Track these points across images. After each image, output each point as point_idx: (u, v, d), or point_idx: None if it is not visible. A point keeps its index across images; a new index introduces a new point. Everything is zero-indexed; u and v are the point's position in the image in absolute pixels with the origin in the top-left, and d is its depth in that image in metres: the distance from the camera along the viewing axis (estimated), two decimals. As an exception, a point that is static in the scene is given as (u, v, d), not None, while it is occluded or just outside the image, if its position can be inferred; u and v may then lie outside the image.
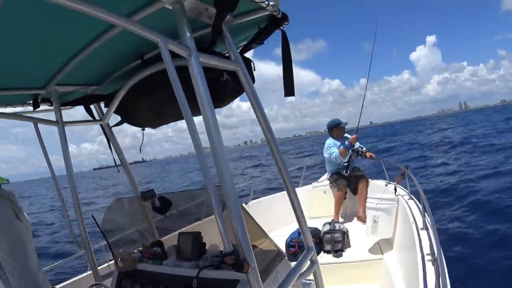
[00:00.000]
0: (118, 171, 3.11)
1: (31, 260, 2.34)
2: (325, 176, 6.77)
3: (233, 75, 2.15)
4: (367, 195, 5.46)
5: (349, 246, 4.79)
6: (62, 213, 2.90)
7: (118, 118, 2.92)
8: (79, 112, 3.07)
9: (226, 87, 2.17)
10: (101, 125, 3.07)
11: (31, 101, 2.81)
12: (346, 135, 6.42)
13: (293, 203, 2.31)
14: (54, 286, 3.11)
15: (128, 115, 2.87)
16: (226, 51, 2.20)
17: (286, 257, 2.47)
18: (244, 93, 2.23)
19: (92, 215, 2.61)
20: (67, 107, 2.97)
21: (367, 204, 4.83)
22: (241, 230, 1.62)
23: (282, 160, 2.26)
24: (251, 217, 2.00)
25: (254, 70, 2.34)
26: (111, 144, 3.09)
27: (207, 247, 2.27)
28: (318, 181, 7.03)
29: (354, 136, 6.05)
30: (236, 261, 1.58)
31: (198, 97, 1.64)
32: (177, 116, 2.61)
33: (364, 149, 6.24)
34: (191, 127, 1.60)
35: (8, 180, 2.52)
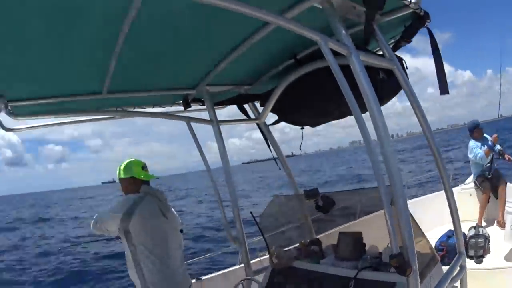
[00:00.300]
0: (279, 168, 3.15)
1: (173, 257, 2.63)
2: (471, 178, 6.50)
3: (388, 73, 2.12)
4: (506, 199, 5.26)
5: (489, 252, 4.54)
6: (210, 206, 3.11)
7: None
8: (229, 110, 2.98)
9: (384, 86, 2.13)
10: (257, 124, 3.09)
11: (181, 101, 2.91)
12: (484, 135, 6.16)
13: (450, 205, 2.22)
14: (200, 278, 3.37)
15: (286, 115, 2.89)
16: (376, 50, 2.22)
17: (439, 262, 2.38)
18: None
19: (251, 212, 2.72)
20: (219, 106, 3.02)
21: (506, 209, 4.63)
22: (408, 232, 1.60)
23: (441, 160, 2.19)
24: (411, 216, 2.05)
25: (407, 68, 2.28)
26: (269, 143, 3.11)
27: (366, 248, 2.27)
28: (465, 183, 6.74)
29: (495, 136, 5.86)
30: (401, 263, 1.57)
31: (364, 94, 1.63)
32: (337, 114, 2.61)
33: (501, 148, 5.98)
34: (361, 124, 1.61)
35: (158, 177, 2.75)
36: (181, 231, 2.78)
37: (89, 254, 12.46)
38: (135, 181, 2.66)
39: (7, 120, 2.25)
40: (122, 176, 2.70)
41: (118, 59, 1.95)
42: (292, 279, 2.38)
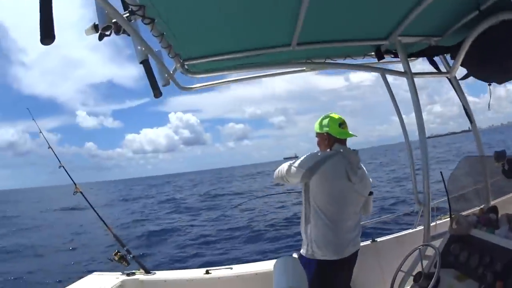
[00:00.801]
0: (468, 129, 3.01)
1: (346, 221, 2.49)
2: None
3: None
4: None
5: None
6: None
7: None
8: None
9: None
10: (448, 78, 2.95)
11: (372, 53, 2.88)
12: None
13: None
14: (375, 239, 3.31)
15: (474, 69, 2.74)
16: None
17: None
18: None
19: (441, 172, 2.58)
20: (411, 58, 2.94)
21: None
22: None
23: None
24: None
25: None
26: (460, 99, 2.94)
27: None
28: None
29: None
30: None
31: None
32: None
33: None
34: None
35: (356, 135, 2.62)
36: (371, 193, 2.70)
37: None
38: (329, 138, 2.62)
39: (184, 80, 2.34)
40: (317, 130, 2.69)
41: (308, 9, 1.94)
42: (467, 247, 2.20)
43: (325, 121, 2.65)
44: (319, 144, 2.71)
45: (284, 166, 2.67)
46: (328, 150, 2.62)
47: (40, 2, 1.02)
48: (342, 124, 2.63)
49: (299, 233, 2.65)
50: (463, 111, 3.02)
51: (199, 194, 34.72)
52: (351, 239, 2.55)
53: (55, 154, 3.75)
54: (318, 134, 2.71)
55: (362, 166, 2.69)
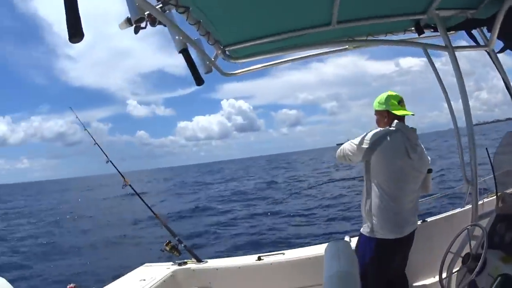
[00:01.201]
0: None
1: (406, 199, 2.49)
2: None
3: None
4: None
5: None
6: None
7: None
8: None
9: None
10: (487, 51, 2.87)
11: (412, 28, 2.84)
12: None
13: None
14: (425, 220, 3.27)
15: (510, 41, 2.66)
16: None
17: None
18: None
19: (486, 148, 2.53)
20: (451, 32, 2.88)
21: None
22: None
23: None
24: None
25: None
26: (500, 72, 2.87)
27: None
28: None
29: None
30: None
31: None
32: None
33: None
34: None
35: (413, 114, 2.61)
36: (430, 170, 2.68)
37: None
38: (389, 115, 2.63)
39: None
40: (376, 108, 2.70)
41: None
42: None
43: (384, 99, 2.65)
44: (378, 122, 2.72)
45: (345, 145, 2.69)
46: (388, 127, 2.61)
47: (64, 1, 1.00)
48: (401, 101, 2.63)
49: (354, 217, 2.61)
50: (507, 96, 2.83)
51: (255, 180, 35.27)
52: (409, 217, 2.56)
53: (102, 150, 3.81)
54: (377, 112, 2.71)
55: (420, 143, 2.65)
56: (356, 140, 2.60)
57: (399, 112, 2.58)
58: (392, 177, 2.48)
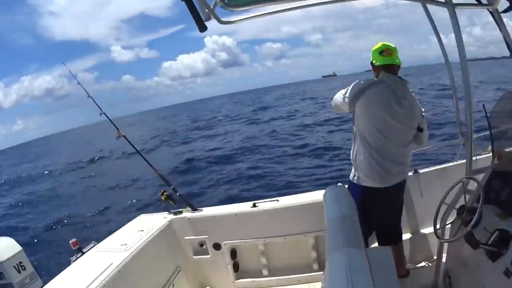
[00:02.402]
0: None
1: (391, 151, 2.54)
2: None
3: None
4: None
5: None
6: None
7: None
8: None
9: None
10: (489, 10, 2.75)
11: None
12: None
13: None
14: (417, 171, 3.32)
15: None
16: None
17: None
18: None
19: (483, 105, 2.47)
20: None
21: None
22: None
23: None
24: None
25: None
26: (502, 32, 2.74)
27: None
28: None
29: None
30: None
31: None
32: None
33: None
34: None
35: (397, 63, 2.59)
36: (420, 129, 2.66)
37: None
38: (374, 67, 2.66)
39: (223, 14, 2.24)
40: (370, 60, 2.70)
41: None
42: (510, 185, 2.08)
43: (371, 52, 2.66)
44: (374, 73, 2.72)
45: (336, 96, 2.70)
46: (374, 78, 2.63)
47: None
48: (383, 51, 2.59)
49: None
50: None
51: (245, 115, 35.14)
52: (396, 168, 2.58)
53: (95, 103, 3.84)
54: (371, 64, 2.71)
55: (412, 95, 2.61)
56: (344, 90, 2.63)
57: (380, 61, 2.58)
58: (375, 128, 2.50)
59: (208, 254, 3.30)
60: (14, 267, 3.26)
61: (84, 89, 3.85)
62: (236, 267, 3.33)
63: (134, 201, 11.94)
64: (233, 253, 3.30)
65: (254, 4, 2.38)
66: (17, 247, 3.41)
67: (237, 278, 3.33)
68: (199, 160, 16.86)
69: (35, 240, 10.07)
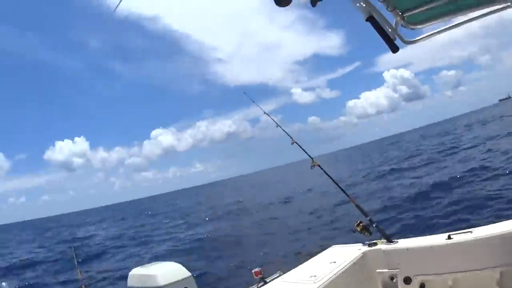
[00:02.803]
0: None
1: None
2: None
3: None
4: None
5: None
6: None
7: None
8: None
9: None
10: None
11: None
12: None
13: None
14: None
15: None
16: None
17: None
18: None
19: None
20: None
21: None
22: None
23: None
24: None
25: None
26: None
27: None
28: None
29: None
30: None
31: None
32: None
33: None
34: None
35: None
36: None
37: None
38: None
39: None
40: None
41: None
42: None
43: None
44: None
45: None
46: None
47: None
48: None
49: None
50: None
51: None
52: None
53: (284, 131, 3.99)
54: None
55: None
56: None
57: None
58: None
59: None
60: None
61: (272, 119, 4.11)
62: None
63: (325, 231, 12.00)
64: None
65: (434, 19, 2.28)
66: (186, 273, 3.46)
67: None
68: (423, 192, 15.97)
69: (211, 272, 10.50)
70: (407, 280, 3.03)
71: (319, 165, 3.72)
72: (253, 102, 4.49)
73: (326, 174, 3.75)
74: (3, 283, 2.69)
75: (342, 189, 3.65)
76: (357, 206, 3.43)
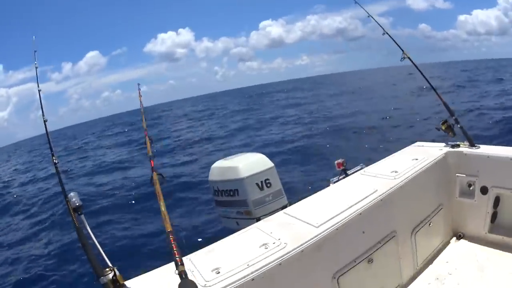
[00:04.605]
0: None
1: None
2: None
3: None
4: None
5: None
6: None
7: None
8: None
9: None
10: None
11: None
12: None
13: None
14: None
15: None
16: None
17: None
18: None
19: None
20: None
21: None
22: None
23: None
24: None
25: None
26: None
27: None
28: None
29: None
30: None
31: None
32: None
33: None
34: None
35: None
36: None
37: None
38: None
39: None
40: None
41: None
42: None
43: None
44: None
45: None
46: None
47: None
48: None
49: None
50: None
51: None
52: None
53: (393, 39, 3.70)
54: None
55: None
56: None
57: None
58: None
59: (473, 197, 2.97)
60: (257, 184, 3.18)
61: (379, 25, 3.79)
62: (493, 218, 2.89)
63: (414, 127, 11.56)
64: (496, 201, 2.85)
65: None
66: (268, 163, 3.31)
67: (490, 231, 2.91)
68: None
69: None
70: (484, 190, 2.91)
71: (409, 58, 3.53)
72: (358, 4, 4.08)
73: (415, 66, 3.57)
74: (72, 193, 2.78)
75: (430, 85, 3.45)
76: (444, 104, 3.25)
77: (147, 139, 2.93)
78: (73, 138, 44.34)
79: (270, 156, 3.45)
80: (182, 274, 1.66)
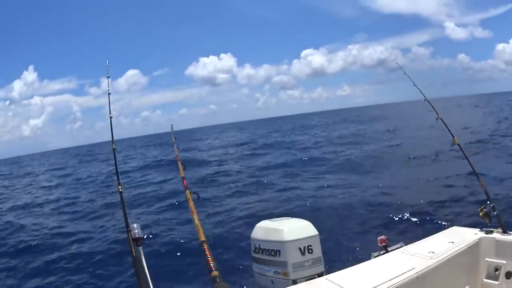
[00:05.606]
0: None
1: None
2: None
3: None
4: None
5: None
6: None
7: None
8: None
9: None
10: None
11: None
12: None
13: None
14: None
15: None
16: None
17: None
18: None
19: None
20: None
21: None
22: None
23: None
24: None
25: None
26: None
27: None
28: None
29: None
30: None
31: None
32: None
33: None
34: None
35: None
36: None
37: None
38: None
39: None
40: None
41: None
42: None
43: None
44: None
45: None
46: None
47: None
48: None
49: None
50: None
51: None
52: None
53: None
54: None
55: None
56: None
57: None
58: None
59: (497, 281, 3.08)
60: (299, 248, 3.27)
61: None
62: None
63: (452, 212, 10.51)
64: None
65: None
66: (312, 231, 3.39)
67: None
68: None
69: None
70: (509, 275, 3.04)
71: (458, 144, 3.73)
72: (405, 73, 4.35)
73: (465, 156, 3.73)
74: (134, 224, 2.85)
75: (475, 172, 3.66)
76: (485, 192, 3.44)
77: (179, 163, 3.47)
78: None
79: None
80: (216, 278, 1.96)
